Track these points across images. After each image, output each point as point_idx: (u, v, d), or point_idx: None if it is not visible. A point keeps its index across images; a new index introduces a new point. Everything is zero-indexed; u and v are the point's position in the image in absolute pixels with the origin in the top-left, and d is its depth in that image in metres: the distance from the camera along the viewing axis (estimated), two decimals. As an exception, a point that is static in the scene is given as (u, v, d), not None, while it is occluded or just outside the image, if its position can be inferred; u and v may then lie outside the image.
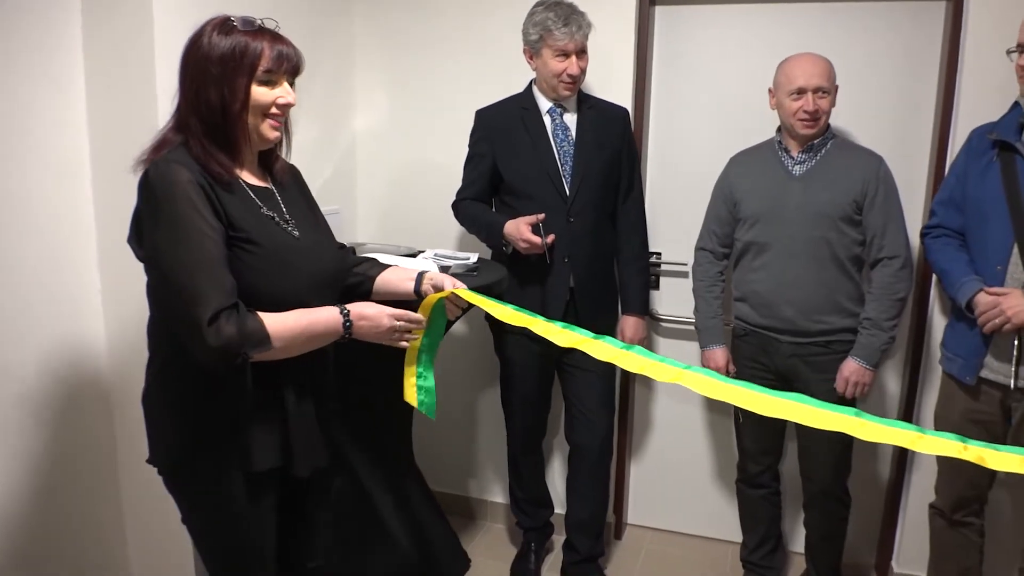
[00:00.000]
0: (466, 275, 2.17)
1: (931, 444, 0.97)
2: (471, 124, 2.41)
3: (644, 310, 2.48)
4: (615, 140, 2.36)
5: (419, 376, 1.62)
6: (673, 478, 2.88)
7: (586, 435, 2.44)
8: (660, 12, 2.61)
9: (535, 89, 2.36)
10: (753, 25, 2.54)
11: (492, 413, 2.86)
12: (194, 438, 1.41)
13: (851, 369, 2.16)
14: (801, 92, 2.12)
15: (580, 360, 2.33)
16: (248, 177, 1.45)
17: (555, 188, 2.29)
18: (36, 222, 1.92)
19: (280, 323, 1.34)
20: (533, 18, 2.23)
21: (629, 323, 2.45)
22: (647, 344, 2.77)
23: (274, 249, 1.39)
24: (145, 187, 1.32)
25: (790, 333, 2.21)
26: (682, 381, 1.23)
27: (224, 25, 1.35)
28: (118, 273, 2.09)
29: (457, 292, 1.51)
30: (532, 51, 2.27)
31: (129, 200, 1.96)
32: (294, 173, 1.61)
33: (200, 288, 1.26)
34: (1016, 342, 1.88)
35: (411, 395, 1.64)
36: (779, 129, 2.26)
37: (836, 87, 2.16)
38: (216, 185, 1.34)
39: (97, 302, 2.11)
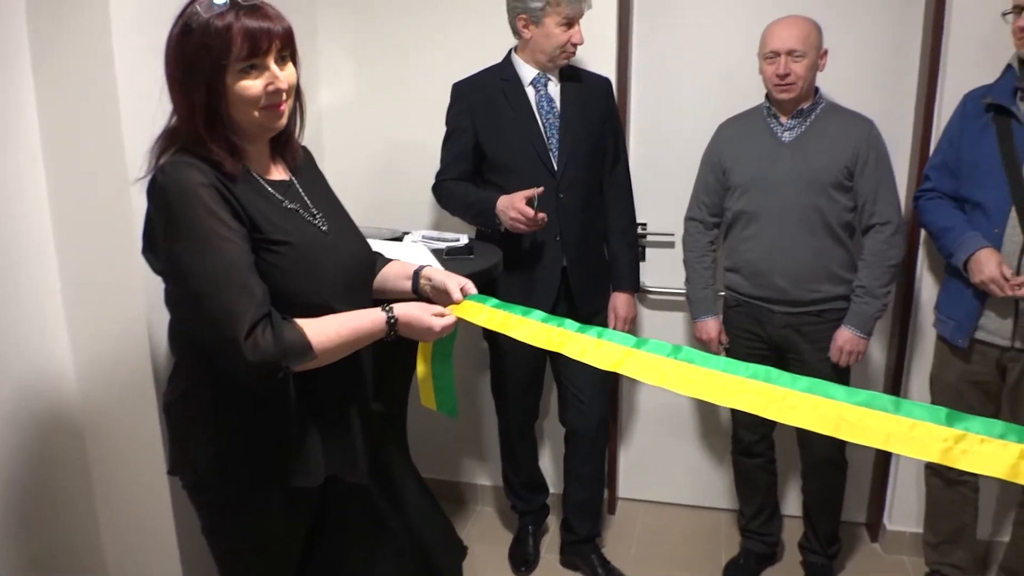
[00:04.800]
0: (462, 259, 2.08)
1: (910, 443, 0.96)
2: (445, 97, 2.28)
3: (635, 286, 2.42)
4: (600, 110, 2.27)
5: (436, 378, 1.52)
6: (662, 450, 2.86)
7: (581, 419, 2.39)
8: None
9: (516, 58, 2.24)
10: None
11: (476, 396, 2.79)
12: (232, 452, 1.30)
13: (845, 338, 2.15)
14: (775, 55, 2.08)
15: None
16: (262, 171, 1.31)
17: (542, 163, 2.19)
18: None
19: (321, 332, 1.23)
20: None
21: (621, 300, 2.39)
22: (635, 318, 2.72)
23: (303, 247, 1.27)
24: (155, 194, 1.19)
25: (783, 303, 2.19)
26: (621, 369, 1.19)
27: (192, 15, 1.17)
28: (80, 277, 1.92)
29: (458, 313, 1.40)
30: (532, 19, 2.12)
31: (89, 194, 1.84)
32: (307, 154, 1.47)
33: (231, 301, 1.15)
34: (1016, 304, 1.89)
35: (428, 399, 1.56)
36: (767, 95, 2.20)
37: (823, 51, 2.11)
38: (230, 184, 1.21)
39: (59, 309, 1.94)
